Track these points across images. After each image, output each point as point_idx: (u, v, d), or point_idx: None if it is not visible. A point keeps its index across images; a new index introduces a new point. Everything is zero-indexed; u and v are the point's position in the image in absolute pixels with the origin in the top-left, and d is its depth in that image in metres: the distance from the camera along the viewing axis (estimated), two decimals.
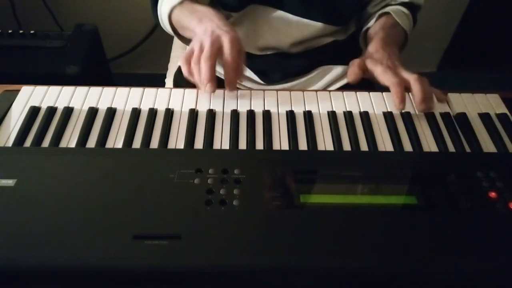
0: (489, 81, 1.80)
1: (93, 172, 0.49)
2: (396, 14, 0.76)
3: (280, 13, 0.77)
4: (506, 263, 0.43)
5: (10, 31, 1.17)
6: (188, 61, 0.61)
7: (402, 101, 0.61)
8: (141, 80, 1.71)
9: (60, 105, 0.62)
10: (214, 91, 0.60)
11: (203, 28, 0.63)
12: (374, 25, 0.77)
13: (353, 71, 0.66)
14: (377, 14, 0.77)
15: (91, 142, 0.57)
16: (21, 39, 1.17)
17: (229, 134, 0.58)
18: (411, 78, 0.62)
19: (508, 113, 0.64)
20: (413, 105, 0.64)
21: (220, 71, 0.66)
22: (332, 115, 0.61)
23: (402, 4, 0.79)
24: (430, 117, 0.62)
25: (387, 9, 0.78)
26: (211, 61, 0.58)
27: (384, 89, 0.66)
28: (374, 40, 0.72)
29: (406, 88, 0.62)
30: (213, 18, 0.64)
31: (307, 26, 0.78)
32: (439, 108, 0.64)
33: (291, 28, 0.78)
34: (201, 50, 0.60)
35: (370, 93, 0.66)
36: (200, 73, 0.59)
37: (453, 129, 0.60)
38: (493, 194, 0.48)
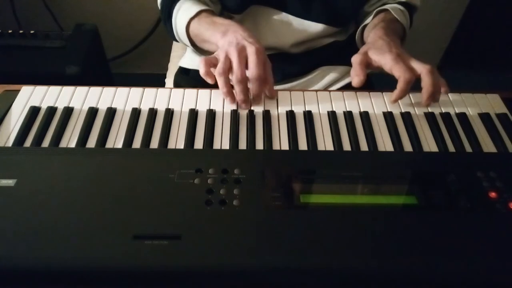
0: (489, 81, 1.80)
1: (93, 172, 0.49)
2: (394, 11, 0.76)
3: (281, 14, 0.77)
4: (506, 263, 0.42)
5: (10, 31, 1.17)
6: (209, 64, 0.61)
7: (399, 99, 0.62)
8: (141, 80, 1.71)
9: (60, 105, 0.62)
10: (249, 109, 0.62)
11: (228, 40, 0.62)
12: (372, 21, 0.77)
13: (356, 72, 0.63)
14: (374, 11, 0.77)
15: (91, 142, 0.57)
16: (21, 39, 1.17)
17: (229, 134, 0.58)
18: (424, 70, 0.60)
19: (508, 113, 0.64)
20: (413, 105, 0.64)
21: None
22: (332, 115, 0.61)
23: (399, 3, 0.79)
24: (430, 117, 0.62)
25: (385, 6, 0.78)
26: (243, 84, 0.60)
27: (385, 88, 0.66)
28: (375, 30, 0.70)
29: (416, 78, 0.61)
30: (238, 30, 0.63)
31: (307, 27, 0.78)
32: (439, 108, 0.64)
33: (291, 29, 0.78)
34: (227, 59, 0.60)
35: (370, 93, 0.66)
36: (227, 90, 0.61)
37: (453, 129, 0.60)
38: (493, 194, 0.48)
